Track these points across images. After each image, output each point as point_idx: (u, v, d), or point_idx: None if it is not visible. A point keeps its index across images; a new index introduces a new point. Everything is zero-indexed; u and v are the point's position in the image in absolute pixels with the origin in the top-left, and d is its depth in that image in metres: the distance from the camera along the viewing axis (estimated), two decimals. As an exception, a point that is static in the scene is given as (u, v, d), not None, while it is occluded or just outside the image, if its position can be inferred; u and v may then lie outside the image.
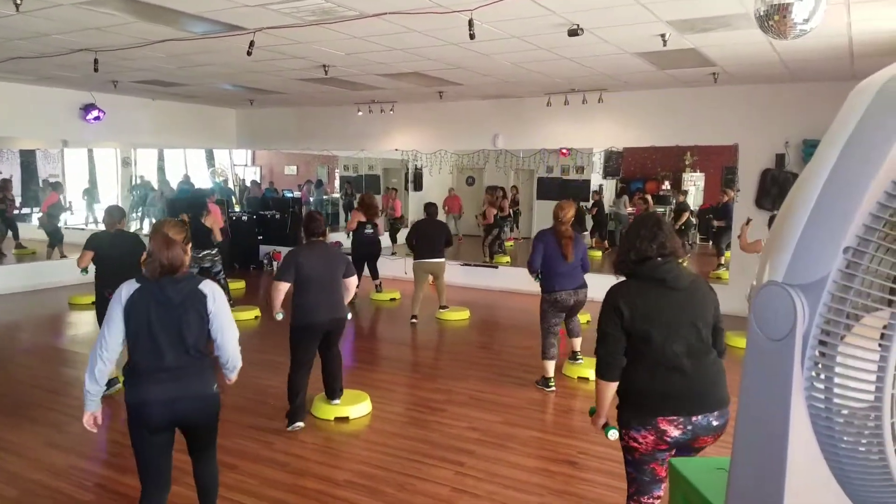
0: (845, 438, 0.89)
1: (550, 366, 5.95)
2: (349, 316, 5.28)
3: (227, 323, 3.05)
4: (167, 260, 2.90)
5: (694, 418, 2.64)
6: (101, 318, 5.73)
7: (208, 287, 3.01)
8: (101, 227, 6.09)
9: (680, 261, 2.79)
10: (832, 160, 0.88)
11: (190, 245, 3.09)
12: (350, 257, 8.78)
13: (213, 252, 8.50)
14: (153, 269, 2.91)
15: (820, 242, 0.87)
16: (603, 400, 2.81)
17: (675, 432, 2.64)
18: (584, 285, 5.92)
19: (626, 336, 2.69)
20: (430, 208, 8.71)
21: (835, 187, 0.87)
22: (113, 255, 5.68)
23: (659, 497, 2.82)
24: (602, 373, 2.76)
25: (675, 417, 2.64)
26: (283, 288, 4.88)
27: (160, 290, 2.90)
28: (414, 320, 8.44)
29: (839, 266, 0.86)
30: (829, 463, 0.90)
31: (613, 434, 2.77)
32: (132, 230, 8.81)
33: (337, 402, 5.24)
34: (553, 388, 5.91)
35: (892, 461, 0.86)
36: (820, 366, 0.89)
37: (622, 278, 2.84)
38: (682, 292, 2.70)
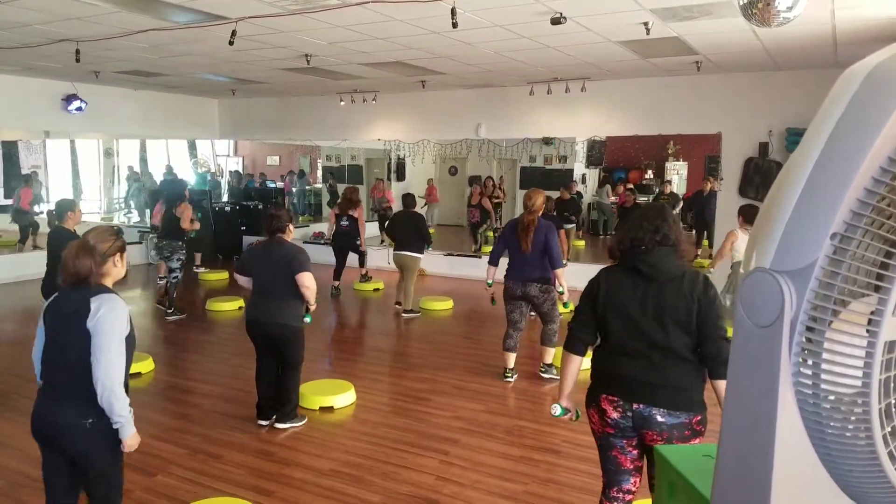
0: (832, 424, 0.89)
1: (507, 357, 5.91)
2: (305, 321, 4.80)
3: (102, 346, 2.58)
4: (73, 268, 2.65)
5: (634, 406, 2.61)
6: None
7: (99, 302, 2.63)
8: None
9: (683, 257, 2.71)
10: (820, 145, 0.88)
11: (118, 255, 2.82)
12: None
13: (178, 244, 8.12)
14: (61, 277, 2.71)
15: (807, 228, 0.87)
16: (563, 371, 2.89)
17: (614, 414, 2.66)
18: (540, 280, 5.61)
19: (597, 317, 2.74)
20: (406, 199, 8.63)
21: (823, 173, 0.87)
22: (51, 256, 5.34)
23: (629, 492, 2.79)
24: (566, 343, 2.85)
25: (615, 399, 2.65)
26: (241, 280, 4.81)
27: (56, 302, 2.74)
28: (398, 306, 8.44)
29: (827, 252, 0.86)
30: (817, 449, 0.90)
31: (555, 409, 2.85)
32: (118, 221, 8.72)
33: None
34: (509, 379, 5.88)
35: (880, 446, 0.86)
36: (807, 352, 0.88)
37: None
38: (656, 285, 2.62)
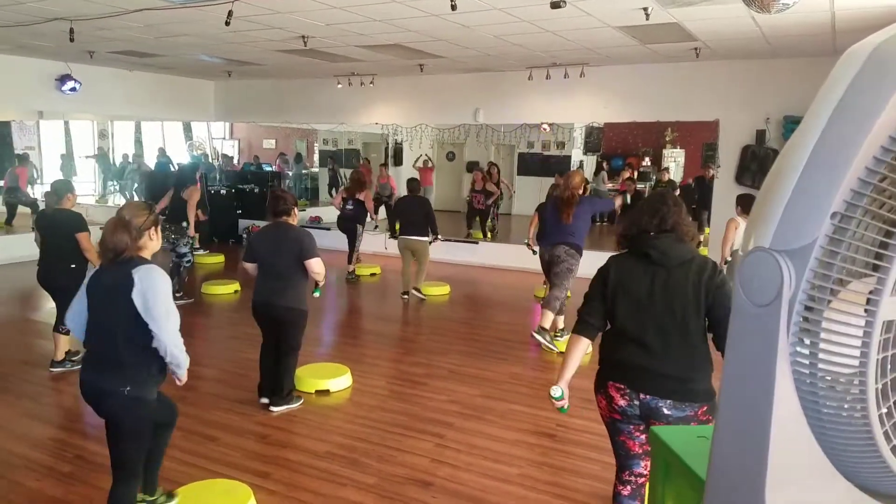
0: (828, 403, 0.90)
1: (556, 320, 6.24)
2: (315, 295, 4.95)
3: (159, 315, 2.79)
4: (111, 244, 2.82)
5: (641, 396, 2.61)
6: (59, 310, 5.44)
7: (141, 273, 2.79)
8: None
9: (690, 241, 2.70)
10: (821, 125, 0.87)
11: (153, 229, 2.98)
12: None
13: (185, 227, 7.98)
14: (101, 252, 2.89)
15: (807, 208, 0.87)
16: (567, 355, 2.85)
17: (621, 401, 2.66)
18: (568, 244, 5.95)
19: (606, 302, 2.74)
20: (411, 184, 8.64)
21: (823, 152, 0.86)
22: (49, 237, 5.34)
23: (641, 475, 2.81)
24: (575, 327, 2.83)
25: (622, 386, 2.66)
26: (248, 268, 4.81)
27: (99, 276, 2.90)
28: (405, 297, 8.37)
29: (827, 231, 0.85)
30: (813, 429, 0.90)
31: (555, 391, 2.82)
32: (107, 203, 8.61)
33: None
34: (541, 338, 6.04)
35: (876, 426, 0.86)
36: (805, 331, 0.88)
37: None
38: (665, 270, 2.61)
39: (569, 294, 6.30)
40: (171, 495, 3.45)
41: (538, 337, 5.98)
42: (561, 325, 6.36)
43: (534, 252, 6.46)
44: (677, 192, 12.57)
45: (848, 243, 0.84)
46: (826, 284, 0.85)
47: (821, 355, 0.86)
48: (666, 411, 2.59)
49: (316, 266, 4.61)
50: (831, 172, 0.84)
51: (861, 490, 0.95)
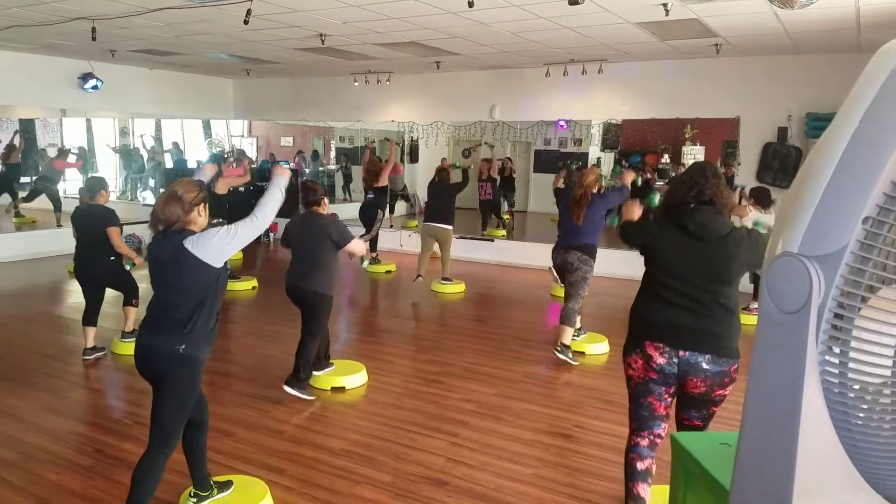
0: (857, 413, 0.87)
1: (564, 332, 5.89)
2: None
3: (235, 233, 2.97)
4: (162, 216, 2.95)
5: (681, 353, 2.70)
6: (88, 303, 5.67)
7: (191, 239, 2.93)
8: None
9: (726, 213, 2.76)
10: (853, 126, 0.84)
11: (202, 205, 3.07)
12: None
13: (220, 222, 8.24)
14: (150, 223, 3.01)
15: (838, 212, 0.84)
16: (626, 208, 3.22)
17: (660, 359, 2.73)
18: (580, 248, 5.74)
19: (642, 254, 2.89)
20: (441, 173, 8.79)
21: (856, 154, 0.83)
22: (84, 232, 5.54)
23: (659, 436, 2.88)
24: (620, 232, 3.11)
25: (660, 344, 2.73)
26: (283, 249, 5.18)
27: (154, 247, 3.02)
28: (419, 278, 8.47)
29: (858, 237, 0.83)
30: (842, 439, 0.88)
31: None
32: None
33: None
34: (564, 357, 5.84)
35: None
36: (834, 339, 0.86)
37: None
38: (703, 243, 2.69)
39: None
40: (224, 485, 3.54)
41: (561, 356, 5.85)
42: (578, 324, 6.30)
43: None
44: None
45: (880, 249, 0.81)
46: (857, 291, 0.82)
47: (851, 364, 0.84)
48: (705, 366, 2.69)
49: (355, 247, 5.00)
50: (863, 175, 0.81)
51: (890, 503, 0.93)
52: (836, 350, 0.86)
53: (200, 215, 3.07)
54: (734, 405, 2.97)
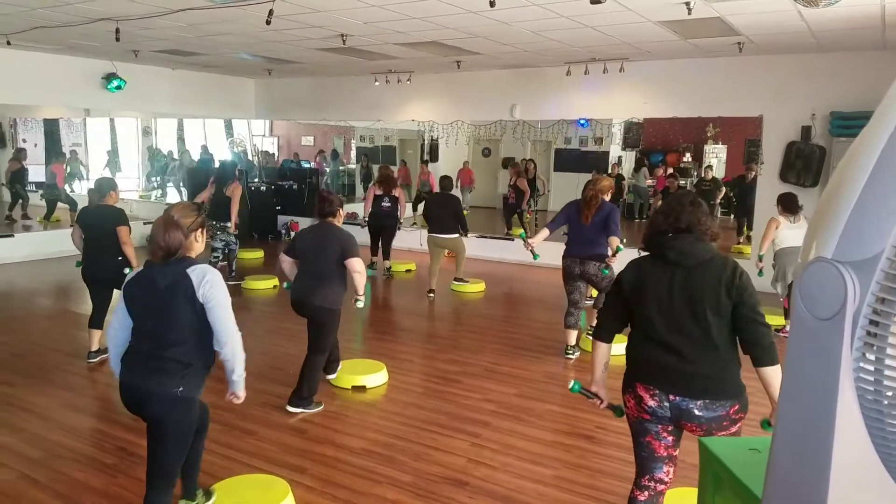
0: (892, 421, 0.85)
1: (569, 334, 5.98)
2: (359, 305, 4.84)
3: (223, 317, 2.76)
4: (163, 242, 2.74)
5: (671, 397, 2.58)
6: (95, 305, 5.72)
7: (199, 273, 2.74)
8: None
9: (709, 240, 2.65)
10: (890, 127, 0.82)
11: (199, 230, 2.93)
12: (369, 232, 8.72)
13: (226, 225, 8.31)
14: (150, 251, 2.80)
15: (874, 216, 0.82)
16: (592, 358, 2.97)
17: (650, 402, 2.63)
18: (598, 258, 5.62)
19: (626, 305, 2.77)
20: (443, 181, 8.68)
21: (892, 157, 0.82)
22: (92, 232, 5.52)
23: (662, 481, 2.75)
24: (593, 332, 2.99)
25: (650, 387, 2.64)
26: (285, 263, 4.87)
27: (149, 275, 2.78)
28: (431, 295, 8.38)
29: (894, 242, 0.81)
30: (878, 448, 0.86)
31: (572, 384, 2.95)
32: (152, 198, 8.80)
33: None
34: (570, 356, 5.95)
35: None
36: (869, 346, 0.84)
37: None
38: (685, 270, 2.58)
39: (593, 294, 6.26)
40: (208, 493, 3.46)
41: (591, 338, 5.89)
42: (594, 321, 6.28)
43: (521, 237, 6.19)
44: (721, 192, 12.34)
45: (918, 254, 0.80)
46: (894, 298, 0.81)
47: (887, 372, 0.82)
48: (697, 412, 2.56)
49: (357, 265, 4.65)
50: (900, 179, 0.80)
51: (926, 512, 0.91)
52: (871, 357, 0.84)
53: (198, 241, 2.92)
54: (756, 406, 2.93)
